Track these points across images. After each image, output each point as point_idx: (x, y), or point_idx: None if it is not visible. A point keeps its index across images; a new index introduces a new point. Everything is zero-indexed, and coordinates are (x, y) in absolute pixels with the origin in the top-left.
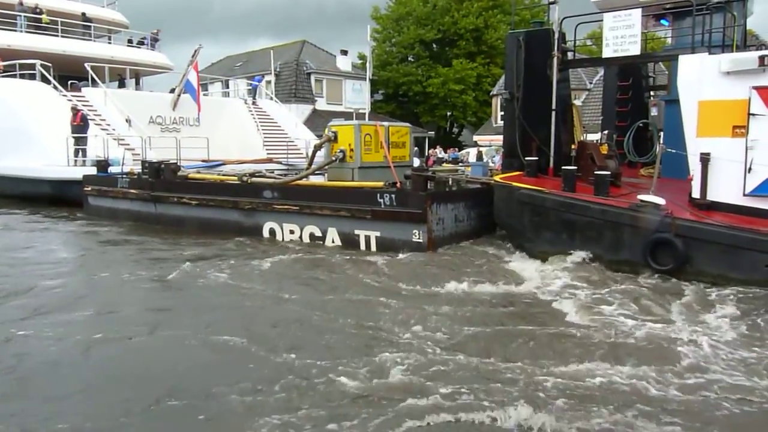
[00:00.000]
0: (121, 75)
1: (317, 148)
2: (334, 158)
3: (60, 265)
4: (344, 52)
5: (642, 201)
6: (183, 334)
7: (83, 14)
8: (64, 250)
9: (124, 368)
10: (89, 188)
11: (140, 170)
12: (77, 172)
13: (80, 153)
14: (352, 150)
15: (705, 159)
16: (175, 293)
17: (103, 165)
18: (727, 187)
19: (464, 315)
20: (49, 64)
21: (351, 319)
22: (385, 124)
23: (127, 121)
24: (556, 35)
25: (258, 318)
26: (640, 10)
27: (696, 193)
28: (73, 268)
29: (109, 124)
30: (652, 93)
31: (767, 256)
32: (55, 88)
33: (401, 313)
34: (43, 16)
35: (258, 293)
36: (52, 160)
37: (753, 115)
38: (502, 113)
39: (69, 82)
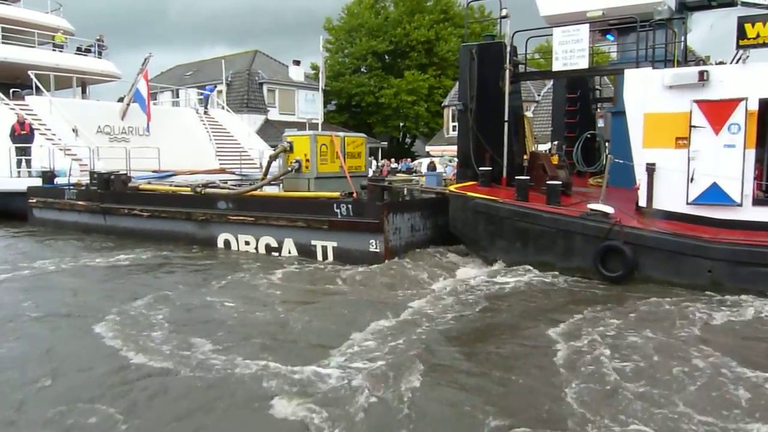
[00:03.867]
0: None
1: (273, 158)
2: (290, 168)
3: None
4: (297, 63)
5: (592, 210)
6: None
7: None
8: None
9: None
10: (34, 200)
11: (88, 181)
12: (21, 184)
13: (24, 164)
14: (308, 160)
15: (650, 169)
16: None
17: (48, 176)
18: (671, 195)
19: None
20: None
21: None
22: (341, 134)
23: (73, 130)
24: (508, 48)
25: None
26: (587, 25)
27: (642, 202)
28: None
29: (54, 134)
30: (598, 105)
31: (710, 261)
32: None
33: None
34: (58, 35)
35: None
36: None
37: (694, 127)
38: (455, 124)
39: (11, 90)
